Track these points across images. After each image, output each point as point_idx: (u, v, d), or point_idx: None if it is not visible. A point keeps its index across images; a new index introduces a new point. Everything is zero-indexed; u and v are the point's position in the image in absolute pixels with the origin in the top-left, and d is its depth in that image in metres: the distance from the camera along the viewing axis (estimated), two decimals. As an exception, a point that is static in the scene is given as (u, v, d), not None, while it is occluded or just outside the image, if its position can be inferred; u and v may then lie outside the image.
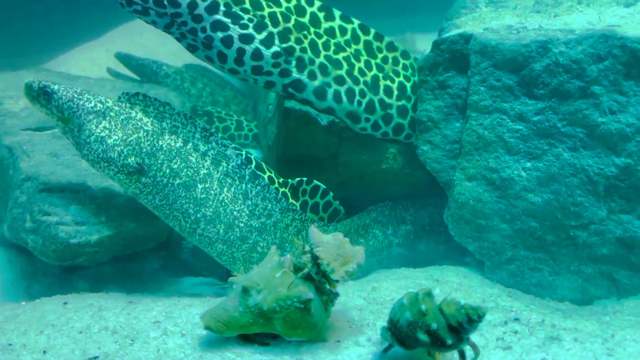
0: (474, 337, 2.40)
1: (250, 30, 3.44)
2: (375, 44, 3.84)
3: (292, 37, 3.53)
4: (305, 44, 3.57)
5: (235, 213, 3.42)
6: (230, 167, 3.44)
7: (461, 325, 2.22)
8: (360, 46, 3.78)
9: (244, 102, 6.20)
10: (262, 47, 3.46)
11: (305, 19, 3.62)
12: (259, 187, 3.48)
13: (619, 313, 3.07)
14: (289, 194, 3.67)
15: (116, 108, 3.38)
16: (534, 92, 3.33)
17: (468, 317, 2.22)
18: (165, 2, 3.35)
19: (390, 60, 3.87)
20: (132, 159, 3.31)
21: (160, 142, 3.36)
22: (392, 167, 3.91)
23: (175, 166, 3.35)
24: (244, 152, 3.62)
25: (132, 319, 2.74)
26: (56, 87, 3.37)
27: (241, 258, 3.46)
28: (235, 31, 3.42)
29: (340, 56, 3.66)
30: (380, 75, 3.78)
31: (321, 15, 3.68)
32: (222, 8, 3.41)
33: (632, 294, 3.28)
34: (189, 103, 5.37)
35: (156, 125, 3.39)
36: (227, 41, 3.42)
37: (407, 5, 8.02)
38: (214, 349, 2.47)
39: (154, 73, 6.01)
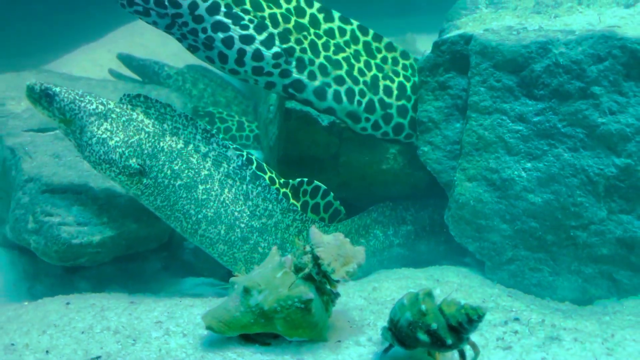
0: (474, 337, 2.41)
1: (251, 31, 3.45)
2: (374, 45, 3.85)
3: (292, 38, 3.54)
4: (305, 44, 3.59)
5: (236, 214, 3.44)
6: (231, 168, 3.46)
7: (461, 325, 2.23)
8: (360, 47, 3.79)
9: (244, 102, 6.22)
10: (262, 48, 3.47)
11: (305, 20, 3.63)
12: (259, 188, 3.49)
13: (619, 313, 3.07)
14: (289, 195, 3.68)
15: (117, 110, 3.39)
16: (534, 92, 3.34)
17: (468, 317, 2.22)
18: (166, 3, 3.36)
19: (390, 60, 3.88)
20: (134, 160, 3.32)
21: (161, 144, 3.37)
22: (392, 168, 3.92)
23: (177, 167, 3.37)
24: (245, 153, 3.64)
25: (134, 319, 2.75)
26: (58, 89, 3.38)
27: (242, 258, 3.47)
28: (236, 32, 3.43)
29: (339, 57, 3.68)
30: (380, 75, 3.79)
31: (320, 16, 3.70)
32: (222, 9, 3.42)
33: (632, 294, 3.28)
34: (191, 104, 5.38)
35: (157, 126, 3.40)
36: (228, 42, 3.43)
37: (408, 5, 8.02)
38: (216, 349, 2.48)
39: (155, 74, 6.02)
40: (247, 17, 3.45)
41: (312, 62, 3.60)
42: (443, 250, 3.99)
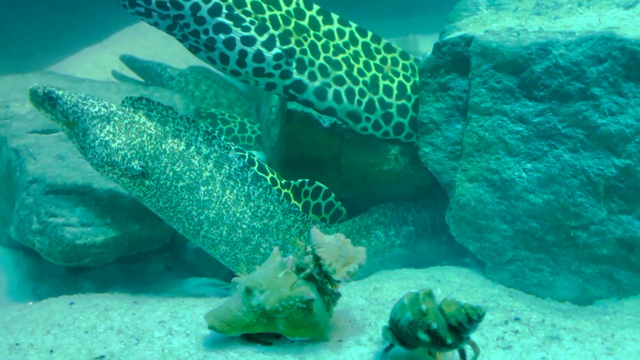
0: (475, 336, 2.42)
1: (252, 33, 3.47)
2: (373, 46, 3.87)
3: (293, 40, 3.57)
4: (305, 46, 3.61)
5: (237, 215, 3.46)
6: (232, 169, 3.48)
7: (461, 325, 2.23)
8: (359, 48, 3.81)
9: (247, 104, 6.24)
10: (263, 49, 3.49)
11: (305, 22, 3.66)
12: (261, 189, 3.51)
13: (619, 313, 3.08)
14: (291, 196, 3.70)
15: (120, 112, 3.41)
16: (534, 93, 3.35)
17: (468, 316, 2.23)
18: (168, 4, 3.38)
19: (389, 60, 3.90)
20: (136, 162, 3.34)
21: (163, 146, 3.39)
22: (393, 169, 3.93)
23: (179, 169, 3.39)
24: (247, 154, 3.66)
25: (137, 319, 2.77)
26: (61, 92, 3.40)
27: (244, 259, 3.49)
28: (237, 33, 3.45)
29: (339, 57, 3.70)
30: (379, 75, 3.81)
31: (320, 18, 3.72)
32: (224, 11, 3.45)
33: (632, 294, 3.29)
34: (193, 105, 5.40)
35: (159, 129, 3.42)
36: (230, 43, 3.45)
37: (410, 6, 8.03)
38: (218, 349, 2.49)
39: (158, 75, 6.04)
40: (248, 19, 3.47)
41: (312, 63, 3.62)
42: (444, 250, 4.00)
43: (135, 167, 3.33)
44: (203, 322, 2.63)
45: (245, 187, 3.49)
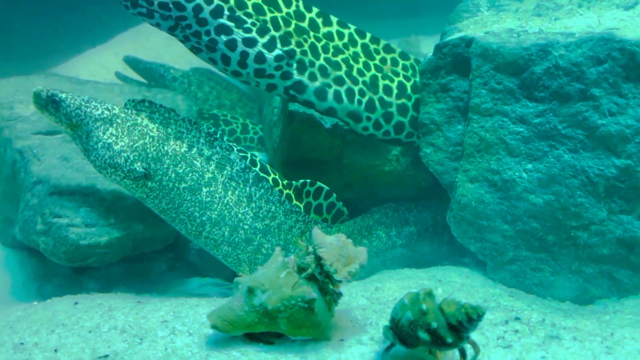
0: (475, 335, 2.42)
1: (254, 34, 3.50)
2: (372, 47, 3.90)
3: (293, 41, 3.59)
4: (306, 47, 3.63)
5: (239, 216, 3.48)
6: (234, 170, 3.50)
7: (461, 324, 2.24)
8: (358, 49, 3.83)
9: (249, 105, 6.25)
10: (265, 51, 3.52)
11: (305, 24, 3.68)
12: (262, 190, 3.53)
13: (619, 312, 3.08)
14: (292, 196, 3.72)
15: (122, 115, 3.43)
16: (535, 94, 3.36)
17: (468, 316, 2.24)
18: (170, 6, 3.40)
19: (389, 61, 3.92)
20: (138, 164, 3.36)
21: (165, 148, 3.42)
22: (395, 169, 3.95)
23: (181, 171, 3.41)
24: (249, 155, 3.68)
25: (141, 318, 2.79)
26: (64, 95, 3.42)
27: (246, 259, 3.51)
28: (239, 35, 3.47)
29: (339, 58, 3.72)
30: (379, 75, 3.83)
31: (319, 20, 3.75)
32: (226, 12, 3.47)
33: (632, 293, 3.29)
34: (196, 106, 5.42)
35: (162, 131, 3.44)
36: (231, 44, 3.48)
37: (412, 7, 8.03)
38: (221, 348, 2.51)
39: (161, 77, 6.06)
40: (249, 21, 3.50)
41: (312, 64, 3.64)
42: (446, 251, 4.01)
43: (137, 169, 3.35)
44: (206, 321, 2.65)
45: (247, 188, 3.51)
